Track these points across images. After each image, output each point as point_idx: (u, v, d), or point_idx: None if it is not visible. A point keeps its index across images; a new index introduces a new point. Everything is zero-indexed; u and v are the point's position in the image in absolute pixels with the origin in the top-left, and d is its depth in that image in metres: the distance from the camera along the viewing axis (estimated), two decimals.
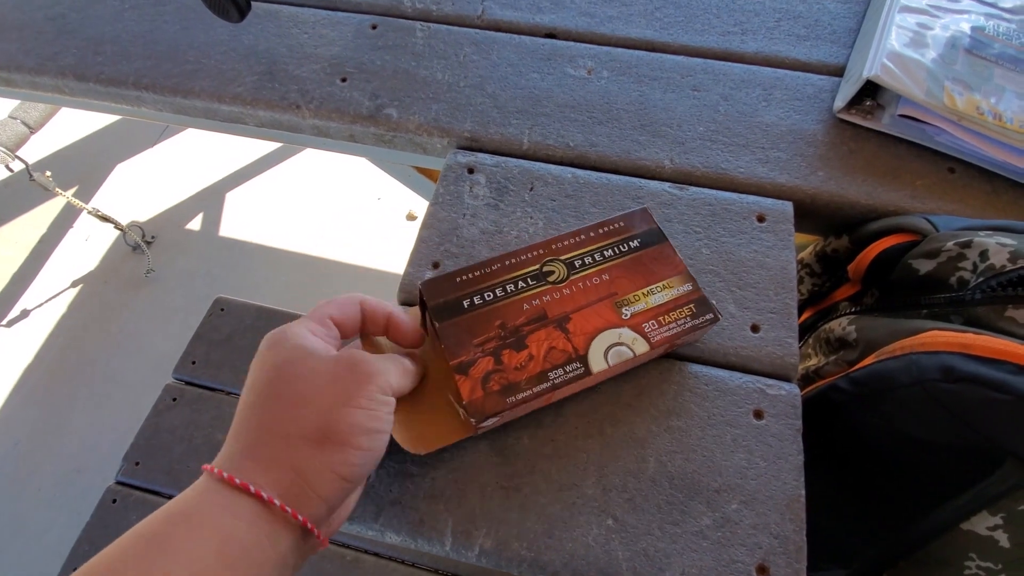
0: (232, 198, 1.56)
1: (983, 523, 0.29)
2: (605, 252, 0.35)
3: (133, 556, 0.21)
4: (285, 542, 0.24)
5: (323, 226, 1.50)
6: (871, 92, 0.46)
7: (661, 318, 0.33)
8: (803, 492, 0.32)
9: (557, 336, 0.32)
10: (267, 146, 1.63)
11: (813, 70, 0.49)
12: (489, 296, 0.33)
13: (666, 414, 0.35)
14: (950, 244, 0.36)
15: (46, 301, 1.40)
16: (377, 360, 0.28)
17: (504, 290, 0.33)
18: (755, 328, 0.38)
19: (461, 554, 0.31)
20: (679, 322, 0.33)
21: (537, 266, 0.34)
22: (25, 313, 1.39)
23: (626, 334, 0.33)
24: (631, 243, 0.36)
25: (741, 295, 0.39)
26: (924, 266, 0.37)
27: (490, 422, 0.31)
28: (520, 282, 0.34)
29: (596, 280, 0.34)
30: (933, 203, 0.42)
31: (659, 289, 0.34)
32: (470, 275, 0.34)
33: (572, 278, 0.34)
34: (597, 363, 0.32)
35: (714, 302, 0.35)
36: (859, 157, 0.44)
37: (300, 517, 0.24)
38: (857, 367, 0.36)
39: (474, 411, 0.30)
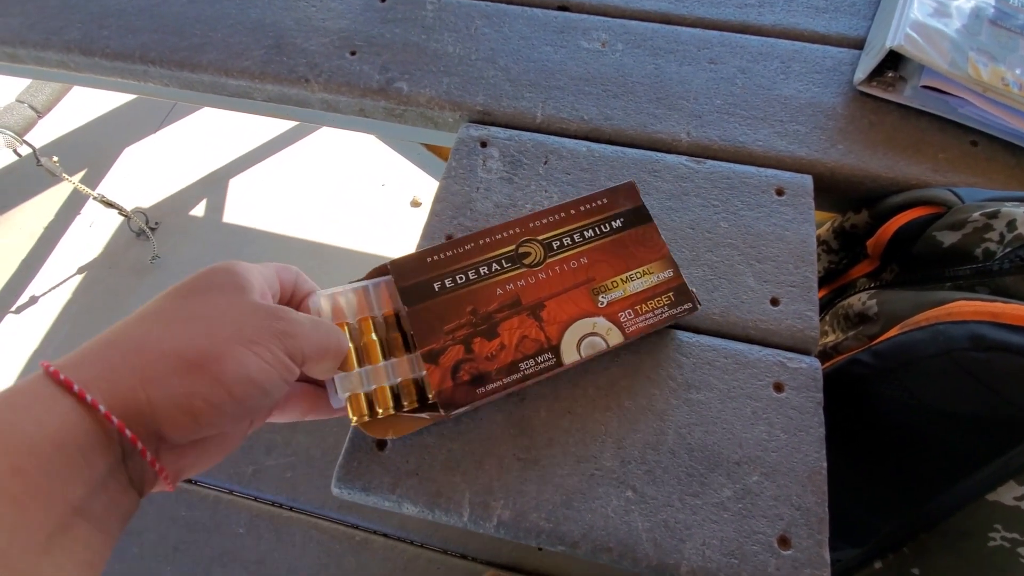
0: (236, 184, 1.55)
1: (1010, 493, 0.29)
2: (585, 232, 0.34)
3: None
4: (104, 462, 0.20)
5: (327, 212, 1.49)
6: (893, 64, 0.45)
7: (638, 307, 0.32)
8: (824, 464, 0.32)
9: (530, 324, 0.31)
10: (269, 132, 1.62)
11: (832, 42, 0.48)
12: (461, 279, 0.31)
13: (685, 387, 0.34)
14: (976, 215, 0.35)
15: (53, 288, 1.40)
16: (304, 323, 0.25)
17: (477, 272, 0.32)
18: (775, 302, 0.37)
19: (479, 525, 0.31)
20: (656, 312, 0.32)
21: (513, 247, 0.33)
22: (33, 299, 1.39)
23: (601, 324, 0.32)
24: (613, 223, 0.34)
25: (760, 268, 0.38)
26: (948, 238, 0.36)
27: (460, 411, 0.30)
28: (494, 264, 0.32)
29: (574, 264, 0.33)
30: (956, 177, 0.42)
31: (638, 275, 0.33)
32: (441, 255, 0.32)
33: (549, 261, 0.33)
34: (569, 354, 0.31)
35: (694, 290, 0.34)
36: (880, 130, 0.44)
37: (128, 433, 0.20)
38: (879, 340, 0.35)
39: (444, 402, 0.29)
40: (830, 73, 0.46)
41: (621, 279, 0.33)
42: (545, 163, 0.43)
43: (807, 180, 0.41)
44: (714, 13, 0.50)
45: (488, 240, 0.33)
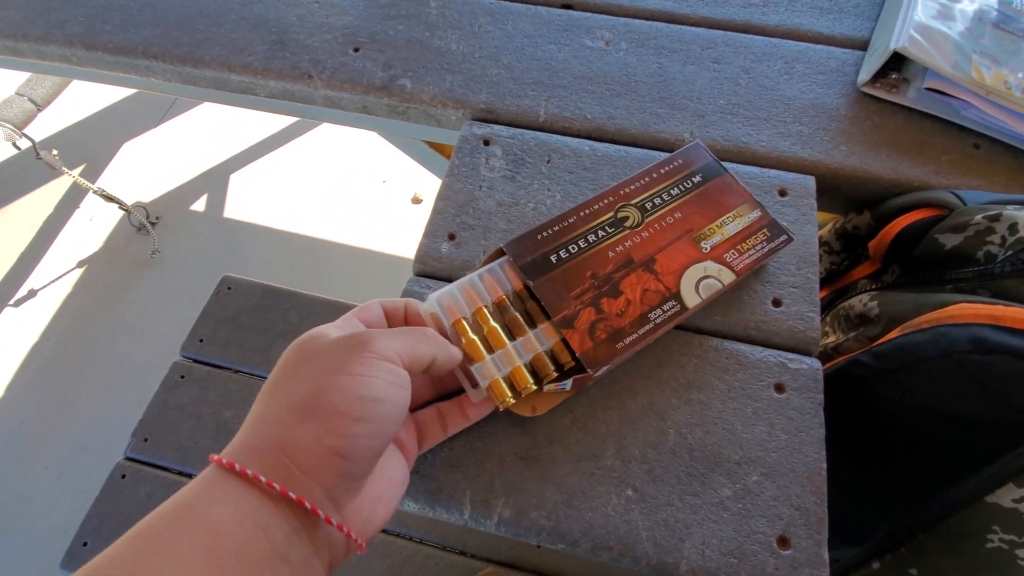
0: (236, 180, 1.55)
1: (1008, 495, 0.29)
2: (672, 191, 0.36)
3: (128, 557, 0.20)
4: (280, 532, 0.22)
5: (328, 208, 1.49)
6: (896, 65, 0.45)
7: (739, 246, 0.35)
8: (824, 465, 0.32)
9: (648, 278, 0.33)
10: (270, 127, 1.62)
11: (836, 43, 0.48)
12: (574, 248, 0.34)
13: (686, 387, 0.34)
14: (978, 217, 0.35)
15: (52, 281, 1.40)
16: (378, 331, 0.26)
17: (586, 241, 0.34)
18: (777, 302, 0.37)
19: (480, 523, 0.31)
20: (757, 247, 0.35)
21: (612, 213, 0.35)
22: (32, 293, 1.39)
23: (711, 267, 0.34)
24: (694, 179, 0.37)
25: (762, 269, 0.38)
26: (950, 240, 0.36)
27: (603, 370, 0.31)
28: (600, 231, 0.35)
29: (670, 219, 0.35)
30: (958, 179, 0.42)
31: (731, 219, 0.36)
32: (550, 231, 0.34)
33: (647, 221, 0.35)
34: (691, 298, 0.33)
35: (785, 223, 0.37)
36: (883, 132, 0.44)
37: (293, 495, 0.21)
38: (880, 341, 0.35)
39: (589, 361, 0.30)
40: (834, 74, 0.46)
41: (716, 225, 0.36)
42: (548, 162, 0.43)
43: (810, 181, 0.41)
44: (718, 13, 0.50)
45: (587, 212, 0.35)
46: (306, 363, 0.25)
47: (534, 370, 0.31)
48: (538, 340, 0.31)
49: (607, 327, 0.32)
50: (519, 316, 0.32)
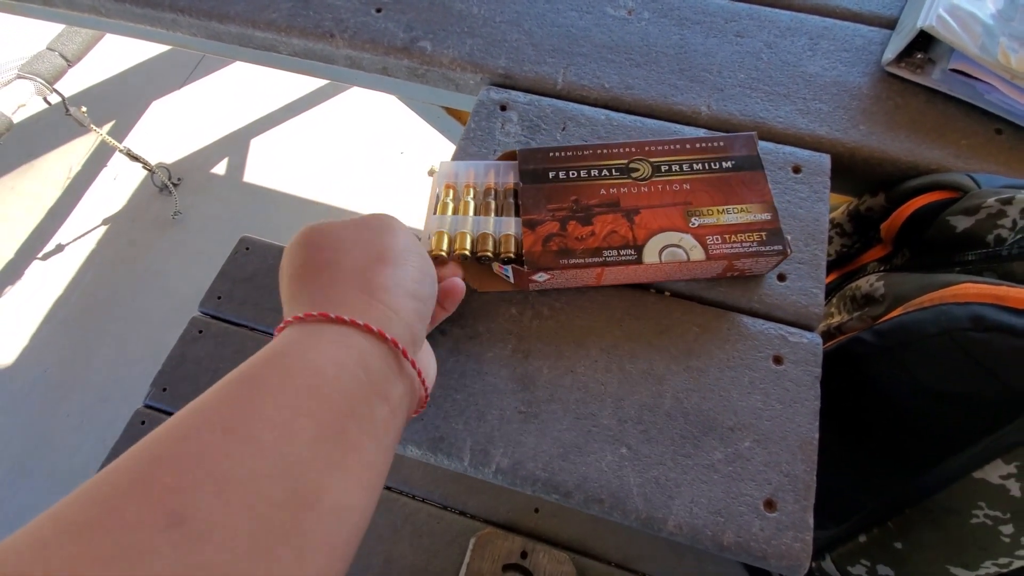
0: (256, 145, 1.56)
1: (996, 472, 0.29)
2: (695, 165, 0.37)
3: (230, 397, 0.21)
4: (380, 371, 0.23)
5: (345, 178, 1.50)
6: (923, 46, 0.44)
7: (727, 236, 0.35)
8: (816, 436, 0.33)
9: (622, 223, 0.35)
10: (291, 94, 1.62)
11: (864, 21, 0.47)
12: (573, 175, 0.36)
13: (686, 354, 0.35)
14: (991, 200, 0.35)
15: (77, 238, 1.44)
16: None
17: (588, 173, 0.36)
18: (782, 277, 0.37)
19: (478, 471, 0.32)
20: (744, 244, 0.34)
21: (625, 161, 0.37)
22: (59, 248, 1.42)
23: (687, 240, 0.34)
24: (724, 163, 0.37)
25: None
26: (962, 223, 0.36)
27: (541, 277, 0.34)
28: (604, 170, 0.36)
29: (676, 187, 0.36)
30: (977, 164, 0.41)
31: (735, 210, 0.35)
32: (562, 153, 0.37)
33: (654, 179, 0.36)
34: (650, 256, 0.34)
35: (790, 237, 0.36)
36: (904, 113, 0.43)
37: (389, 335, 0.23)
38: (882, 320, 0.36)
39: (531, 261, 0.34)
40: (859, 52, 0.46)
41: (717, 209, 0.35)
42: (563, 129, 0.43)
43: (825, 159, 0.41)
44: None
45: (605, 151, 0.37)
46: (341, 236, 0.26)
47: (496, 247, 0.35)
48: (516, 227, 0.35)
49: (561, 243, 0.34)
50: (512, 205, 0.36)
